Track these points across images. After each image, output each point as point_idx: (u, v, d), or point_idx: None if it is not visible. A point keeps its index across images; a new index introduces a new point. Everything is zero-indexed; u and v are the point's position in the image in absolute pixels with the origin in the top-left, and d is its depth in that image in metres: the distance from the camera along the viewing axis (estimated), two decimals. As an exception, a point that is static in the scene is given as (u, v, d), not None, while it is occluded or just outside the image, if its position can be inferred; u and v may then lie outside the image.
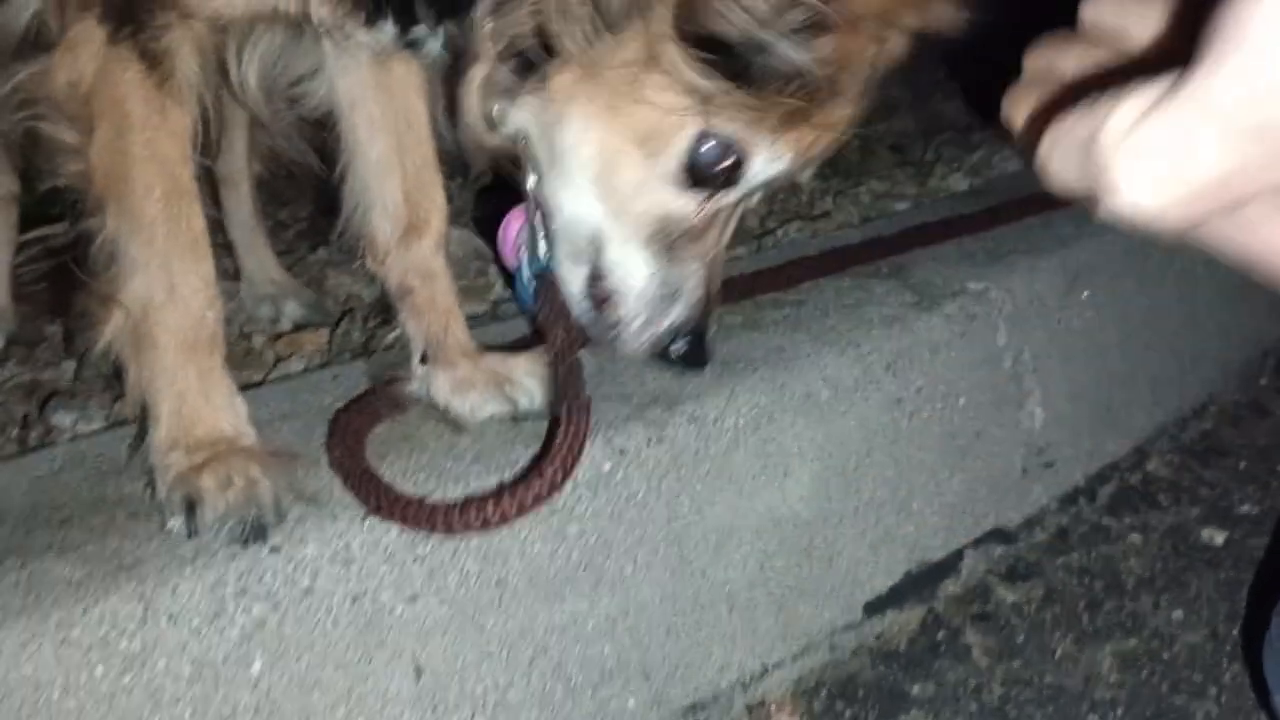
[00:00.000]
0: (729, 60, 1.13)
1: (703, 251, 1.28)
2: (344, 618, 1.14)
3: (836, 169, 2.79)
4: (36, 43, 1.19)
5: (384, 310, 1.83)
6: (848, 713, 1.41)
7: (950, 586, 1.64)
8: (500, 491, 1.17)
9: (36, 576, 1.07)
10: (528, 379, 1.35)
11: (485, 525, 1.15)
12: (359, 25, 1.21)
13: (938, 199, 2.43)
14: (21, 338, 1.88)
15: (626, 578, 1.32)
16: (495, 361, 1.38)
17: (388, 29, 1.20)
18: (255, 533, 1.12)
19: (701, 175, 1.22)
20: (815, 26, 1.11)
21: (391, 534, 1.17)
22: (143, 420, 1.21)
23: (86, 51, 1.15)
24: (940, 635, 1.55)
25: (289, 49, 1.33)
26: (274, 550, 1.12)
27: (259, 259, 2.00)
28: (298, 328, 1.91)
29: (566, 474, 1.18)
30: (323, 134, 1.57)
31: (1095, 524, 1.80)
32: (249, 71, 1.30)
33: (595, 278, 1.29)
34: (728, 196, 1.25)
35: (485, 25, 1.17)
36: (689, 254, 1.28)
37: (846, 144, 2.74)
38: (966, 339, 1.69)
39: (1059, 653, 1.51)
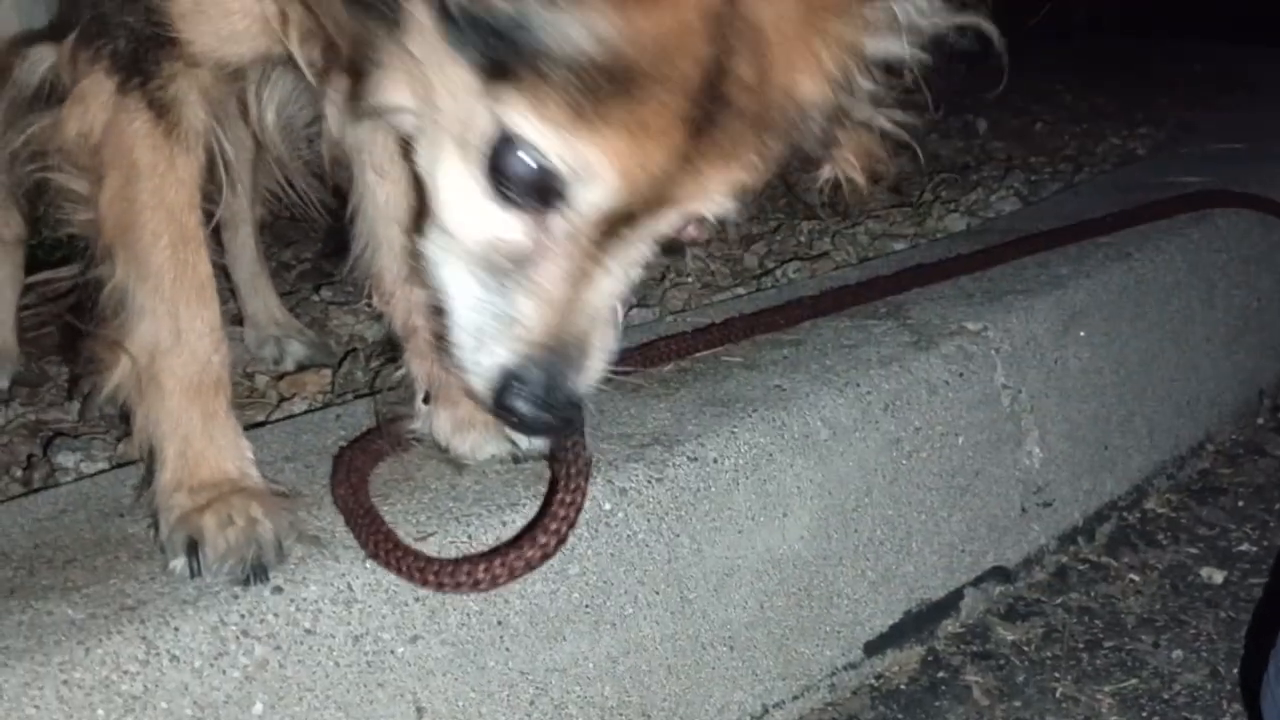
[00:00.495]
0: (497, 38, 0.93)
1: (549, 289, 1.03)
2: (345, 658, 1.15)
3: (835, 209, 2.82)
4: (50, 97, 1.21)
5: (385, 350, 1.84)
6: (848, 753, 1.41)
7: (950, 626, 1.64)
8: (494, 554, 1.16)
9: (39, 617, 1.08)
10: None
11: (475, 587, 1.15)
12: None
13: (935, 239, 2.45)
14: (26, 378, 1.90)
15: (627, 617, 1.32)
16: (497, 402, 1.39)
17: None
18: (257, 572, 1.13)
19: (516, 189, 1.00)
20: None
21: (393, 575, 1.18)
22: (149, 463, 1.22)
23: (96, 103, 1.17)
24: (940, 675, 1.55)
25: (304, 91, 1.34)
26: (276, 591, 1.13)
27: (262, 300, 2.02)
28: (301, 368, 1.92)
29: (561, 540, 1.16)
30: (331, 176, 1.59)
31: (1094, 563, 1.81)
32: (267, 111, 1.32)
33: (436, 297, 1.11)
34: (560, 221, 1.01)
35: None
36: (529, 288, 1.03)
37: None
38: (964, 379, 1.70)
39: (1059, 692, 1.51)
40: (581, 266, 1.03)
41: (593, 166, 0.97)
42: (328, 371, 1.88)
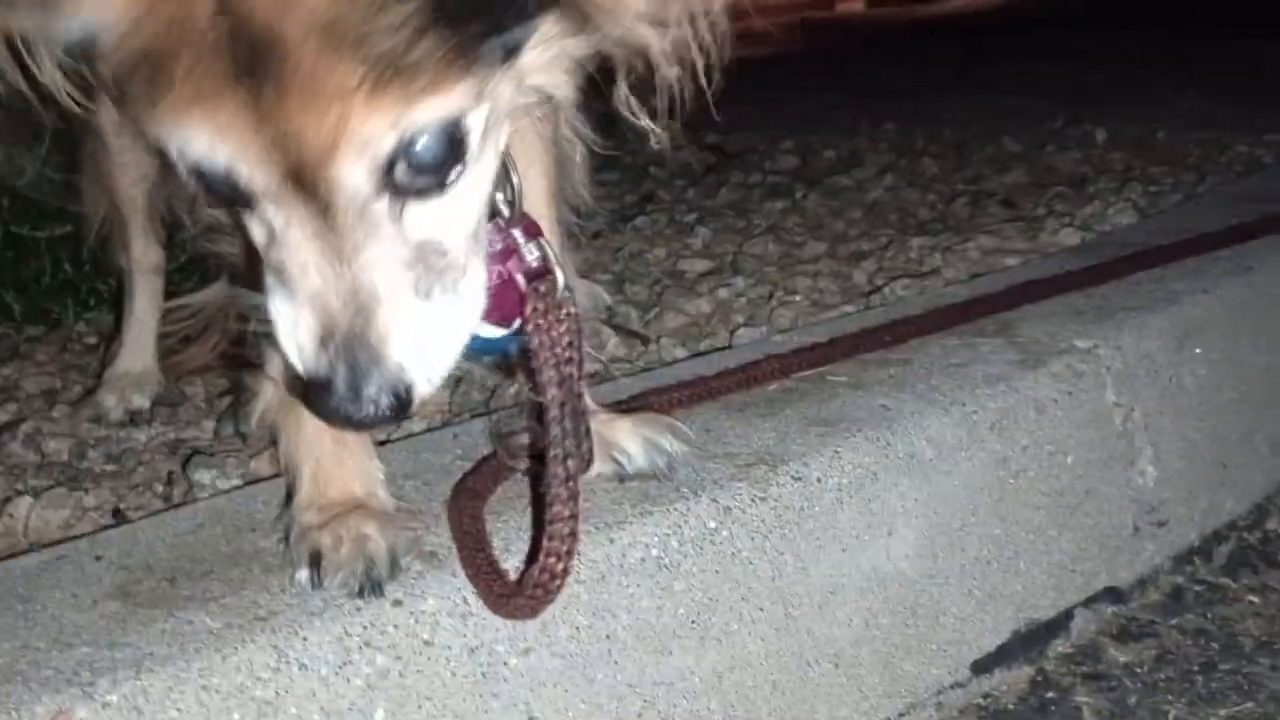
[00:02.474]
0: None
1: (299, 283, 1.00)
2: (462, 669, 1.20)
3: (946, 224, 2.81)
4: None
5: (499, 371, 1.90)
6: (954, 771, 1.42)
7: (1060, 646, 1.64)
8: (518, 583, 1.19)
9: (181, 626, 1.15)
10: (629, 442, 1.40)
11: (513, 616, 1.18)
12: None
13: (1048, 254, 2.42)
14: (166, 399, 2.01)
15: (731, 634, 1.35)
16: (603, 422, 1.44)
17: None
18: (371, 586, 1.18)
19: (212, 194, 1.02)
20: None
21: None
22: (290, 482, 1.30)
23: None
24: (1050, 695, 1.55)
25: None
26: (396, 604, 1.19)
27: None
28: (420, 388, 1.99)
29: (568, 558, 1.14)
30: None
31: (1211, 584, 1.78)
32: None
33: None
34: (263, 212, 1.00)
35: None
36: (285, 289, 1.02)
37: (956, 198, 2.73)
38: (1074, 397, 1.70)
39: (1172, 715, 1.49)
40: (313, 247, 0.96)
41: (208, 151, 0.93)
42: (445, 392, 1.95)
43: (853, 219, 2.94)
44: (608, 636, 1.28)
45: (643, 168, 3.60)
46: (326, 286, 0.96)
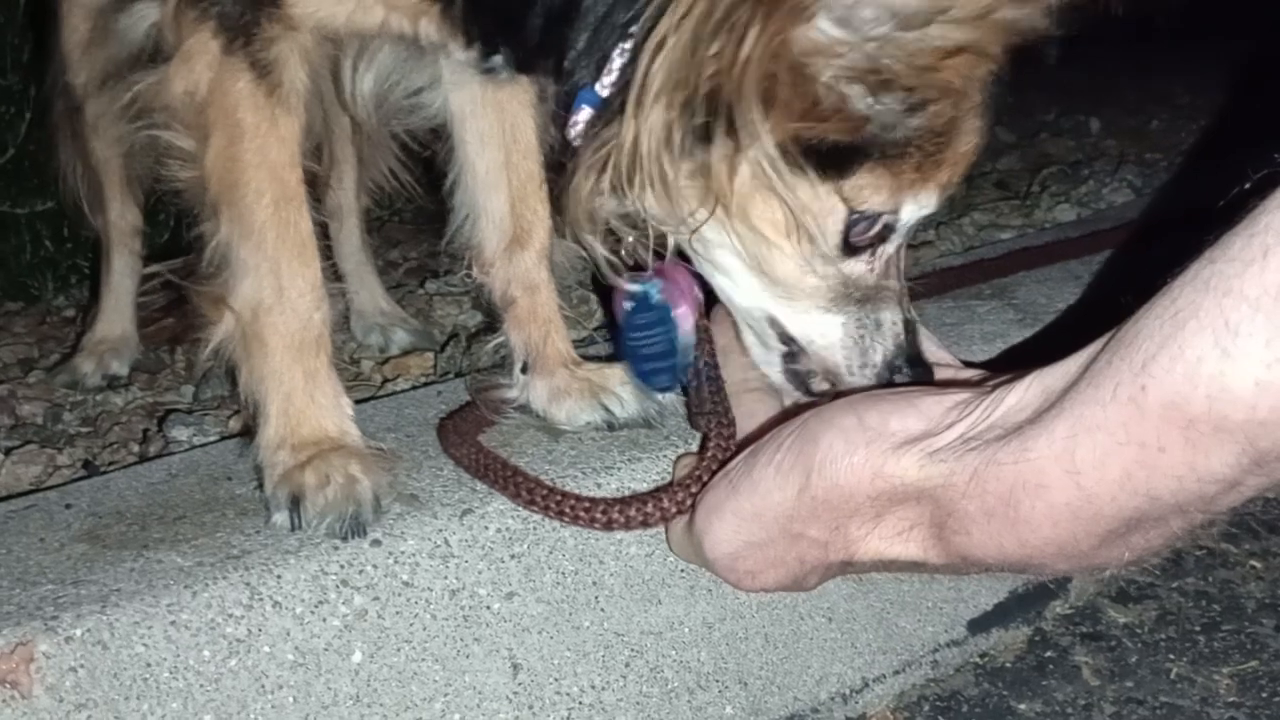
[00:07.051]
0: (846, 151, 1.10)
1: (884, 288, 1.22)
2: (442, 612, 1.16)
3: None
4: (154, 54, 1.26)
5: (487, 335, 1.87)
6: (951, 729, 1.38)
7: (1058, 607, 1.59)
8: (659, 491, 1.19)
9: (150, 565, 1.11)
10: (621, 388, 1.37)
11: (645, 523, 1.17)
12: (459, 47, 1.25)
13: (1043, 229, 2.40)
14: (145, 365, 1.96)
15: (721, 585, 1.31)
16: (592, 371, 1.40)
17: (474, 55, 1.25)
18: (354, 529, 1.14)
19: (859, 245, 1.17)
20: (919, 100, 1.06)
21: (489, 532, 1.19)
22: (255, 417, 1.25)
23: (201, 62, 1.21)
24: (1049, 654, 1.51)
25: (405, 63, 1.38)
26: (375, 544, 1.15)
27: (368, 290, 2.06)
28: (405, 353, 1.95)
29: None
30: (427, 164, 1.63)
31: (1212, 549, 1.74)
32: (364, 81, 1.36)
33: (790, 356, 1.26)
34: (890, 246, 1.20)
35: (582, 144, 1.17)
36: (873, 298, 1.22)
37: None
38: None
39: (1174, 673, 1.45)
40: (898, 256, 1.23)
41: (925, 202, 1.15)
42: (430, 355, 1.91)
43: (845, 201, 2.91)
44: (594, 583, 1.24)
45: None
46: (900, 291, 1.25)
